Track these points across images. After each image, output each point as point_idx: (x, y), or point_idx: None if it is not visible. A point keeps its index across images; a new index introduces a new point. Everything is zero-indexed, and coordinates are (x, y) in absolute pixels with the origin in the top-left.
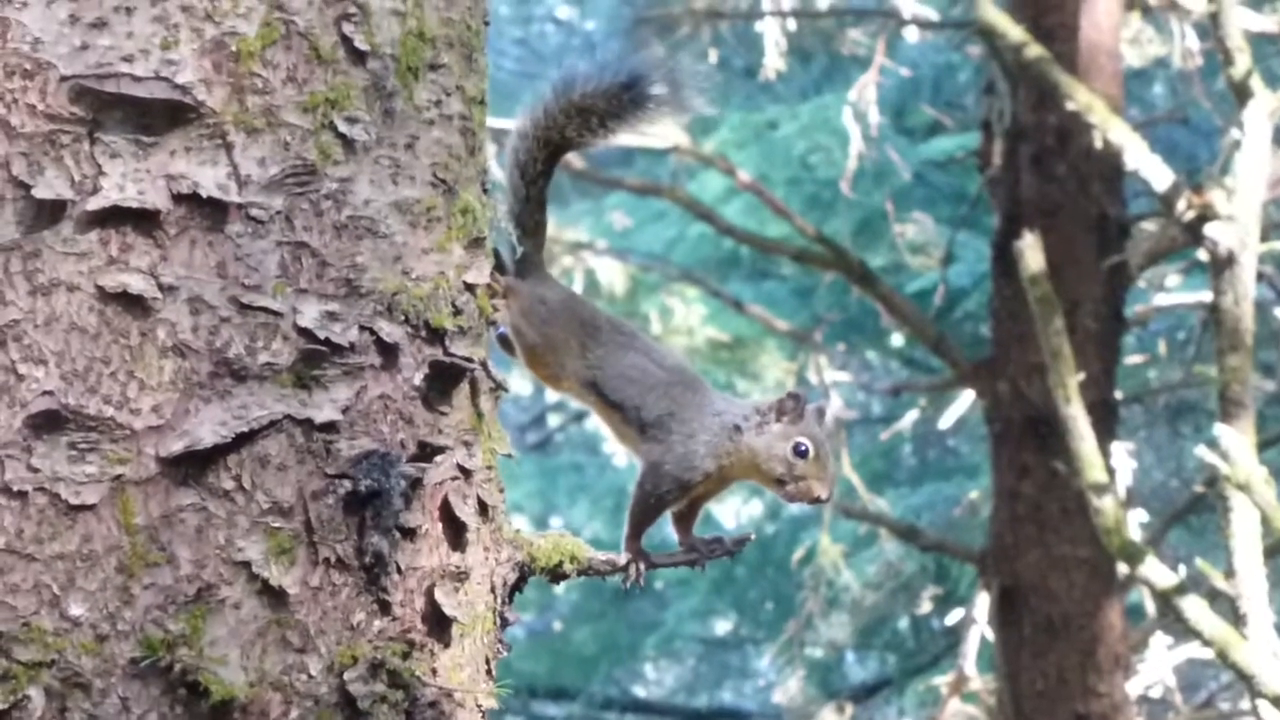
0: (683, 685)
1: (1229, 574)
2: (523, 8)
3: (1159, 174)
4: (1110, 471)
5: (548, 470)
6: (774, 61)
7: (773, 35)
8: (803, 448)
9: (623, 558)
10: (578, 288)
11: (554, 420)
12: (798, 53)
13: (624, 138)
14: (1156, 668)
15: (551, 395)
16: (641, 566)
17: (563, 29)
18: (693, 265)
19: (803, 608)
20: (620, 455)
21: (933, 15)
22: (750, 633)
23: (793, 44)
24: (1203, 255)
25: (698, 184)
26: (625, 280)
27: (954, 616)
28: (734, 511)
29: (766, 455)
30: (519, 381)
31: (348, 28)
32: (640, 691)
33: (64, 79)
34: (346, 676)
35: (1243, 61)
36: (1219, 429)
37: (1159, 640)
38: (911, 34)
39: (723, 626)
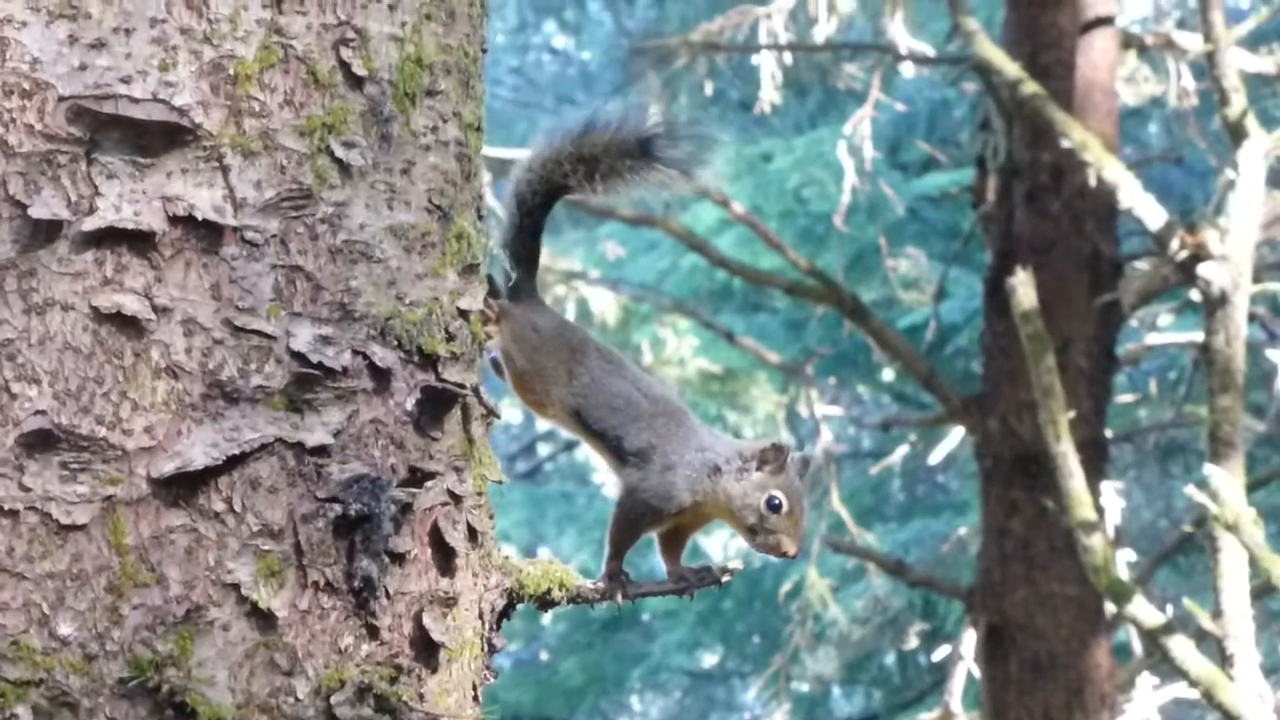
0: (669, 717)
1: (1216, 614)
2: (519, 37)
3: (1152, 213)
4: (1099, 510)
5: (536, 499)
6: (769, 94)
7: (769, 68)
8: (775, 501)
9: (603, 581)
10: (569, 317)
11: (544, 449)
12: (793, 86)
13: (619, 194)
14: (1142, 707)
15: (541, 424)
16: (622, 589)
17: (559, 59)
18: (685, 296)
19: (790, 641)
20: (610, 486)
21: (929, 51)
22: (737, 666)
23: (788, 77)
24: (1195, 295)
25: (691, 215)
26: (617, 310)
27: (941, 653)
28: (721, 544)
29: (741, 503)
30: (509, 410)
31: (346, 53)
32: None
33: (62, 99)
34: (333, 700)
35: (1238, 102)
36: (1209, 469)
37: (1145, 680)
38: (907, 69)
39: (709, 659)
